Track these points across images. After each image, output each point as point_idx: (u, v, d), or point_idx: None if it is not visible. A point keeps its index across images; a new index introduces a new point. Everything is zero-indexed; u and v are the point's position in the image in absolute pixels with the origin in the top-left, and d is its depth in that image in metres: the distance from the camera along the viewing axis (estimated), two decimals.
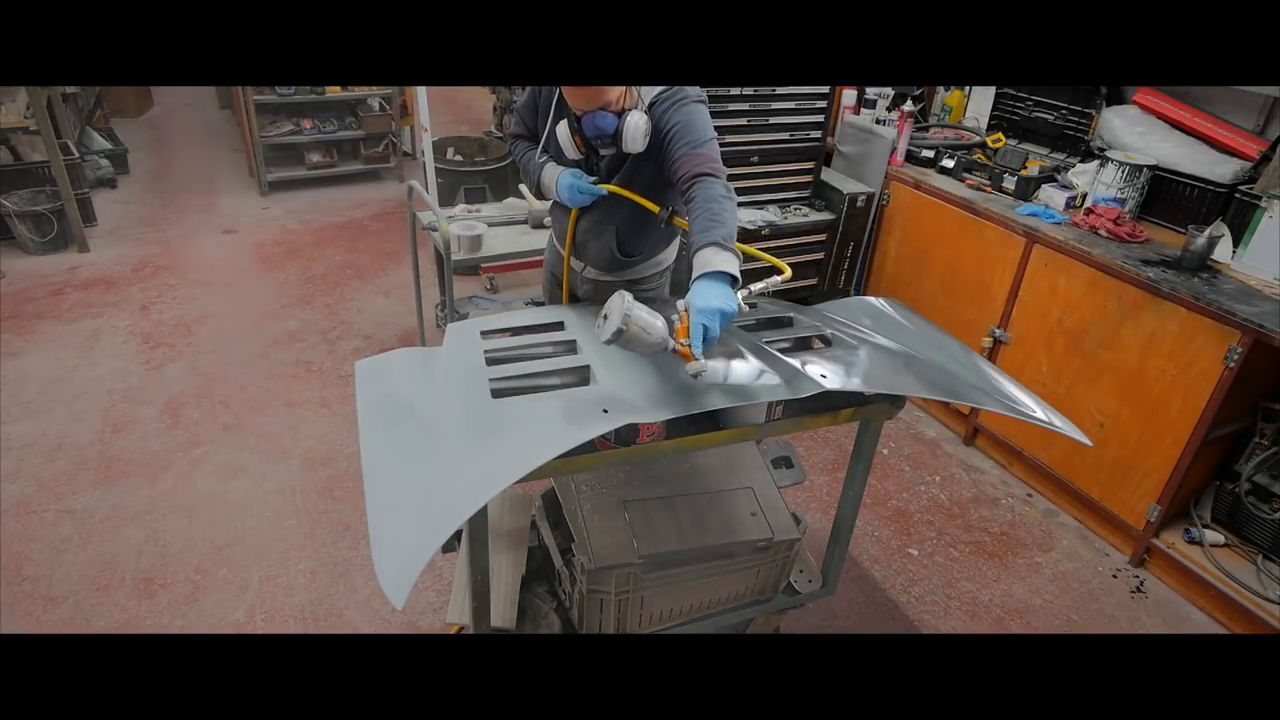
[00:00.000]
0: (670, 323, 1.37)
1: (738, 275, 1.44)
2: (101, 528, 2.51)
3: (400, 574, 1.03)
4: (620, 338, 1.32)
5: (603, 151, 1.78)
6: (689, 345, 1.33)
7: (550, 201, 2.00)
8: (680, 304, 1.40)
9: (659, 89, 1.68)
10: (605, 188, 1.79)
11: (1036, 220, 2.84)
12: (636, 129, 1.63)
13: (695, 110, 1.67)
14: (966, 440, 3.26)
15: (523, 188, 3.22)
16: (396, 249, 4.64)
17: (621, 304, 1.32)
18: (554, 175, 1.85)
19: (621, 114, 1.64)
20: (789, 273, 1.59)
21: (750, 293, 1.50)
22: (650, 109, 1.68)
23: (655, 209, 1.77)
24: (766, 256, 1.73)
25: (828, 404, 1.56)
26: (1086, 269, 2.63)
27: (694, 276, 1.44)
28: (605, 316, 1.35)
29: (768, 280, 1.55)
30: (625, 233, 1.89)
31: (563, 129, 1.73)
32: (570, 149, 1.75)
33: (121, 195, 5.19)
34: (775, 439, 2.15)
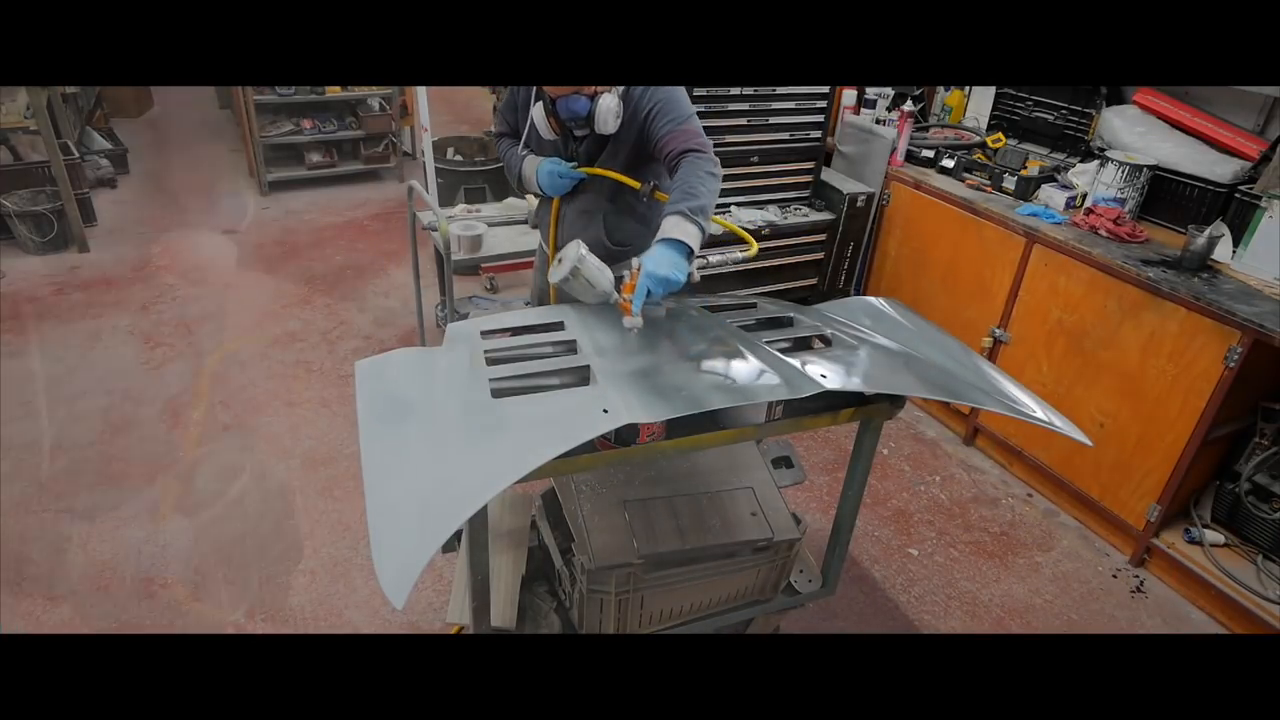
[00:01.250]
0: (620, 278, 1.50)
1: (695, 247, 1.54)
2: (101, 528, 2.51)
3: (400, 574, 1.03)
4: (568, 283, 1.47)
5: (578, 133, 1.85)
6: (630, 300, 1.46)
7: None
8: (635, 262, 1.51)
9: None
10: (584, 170, 1.87)
11: (1036, 220, 2.84)
12: (608, 111, 1.71)
13: (674, 87, 1.75)
14: (966, 440, 3.26)
15: (528, 195, 3.22)
16: (396, 249, 4.64)
17: (576, 252, 1.47)
18: (534, 165, 1.93)
19: (594, 96, 1.72)
20: (755, 249, 1.72)
21: (708, 263, 1.61)
22: (628, 90, 1.75)
23: (636, 185, 1.83)
24: (737, 229, 1.85)
25: (828, 404, 1.56)
26: (1086, 269, 2.63)
27: (656, 239, 1.55)
28: (560, 260, 1.49)
29: (727, 254, 1.63)
30: (613, 220, 1.92)
31: (538, 110, 1.81)
32: (546, 130, 1.82)
33: (121, 195, 5.19)
34: (775, 439, 2.15)
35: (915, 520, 2.82)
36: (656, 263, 1.48)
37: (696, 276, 1.56)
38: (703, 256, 1.60)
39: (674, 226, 1.54)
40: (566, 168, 1.88)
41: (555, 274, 1.48)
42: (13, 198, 4.14)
